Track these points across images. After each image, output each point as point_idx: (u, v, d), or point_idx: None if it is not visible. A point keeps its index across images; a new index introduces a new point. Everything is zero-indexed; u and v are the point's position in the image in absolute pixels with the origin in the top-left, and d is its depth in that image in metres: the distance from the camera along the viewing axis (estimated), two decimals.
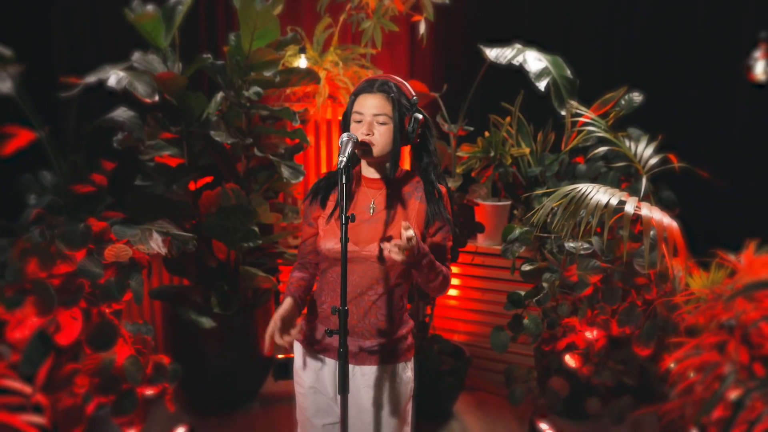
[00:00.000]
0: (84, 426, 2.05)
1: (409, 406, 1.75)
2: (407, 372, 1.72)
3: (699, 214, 3.25)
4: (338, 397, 1.62)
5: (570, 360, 2.57)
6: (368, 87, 1.60)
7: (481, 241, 3.37)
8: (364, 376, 1.66)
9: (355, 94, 1.62)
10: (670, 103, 3.69)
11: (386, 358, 1.67)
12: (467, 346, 3.26)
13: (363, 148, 1.59)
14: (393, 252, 1.45)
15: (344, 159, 1.47)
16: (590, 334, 2.52)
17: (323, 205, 1.69)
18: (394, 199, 1.66)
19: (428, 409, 3.06)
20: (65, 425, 2.00)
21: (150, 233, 2.23)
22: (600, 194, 2.08)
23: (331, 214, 1.65)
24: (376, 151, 1.60)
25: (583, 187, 2.15)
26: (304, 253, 1.77)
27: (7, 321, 1.91)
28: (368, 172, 1.69)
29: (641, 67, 3.74)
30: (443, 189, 1.68)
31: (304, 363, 1.72)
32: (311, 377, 1.71)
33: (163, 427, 2.75)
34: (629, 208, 2.04)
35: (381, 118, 1.58)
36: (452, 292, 3.48)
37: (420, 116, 1.62)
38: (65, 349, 2.02)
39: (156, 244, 2.22)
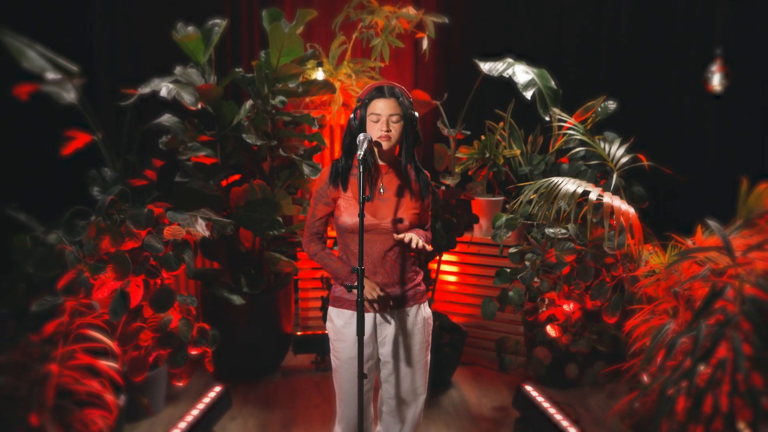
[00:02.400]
0: (146, 373, 2.50)
1: (430, 338, 2.21)
2: (427, 309, 2.20)
3: (666, 204, 3.71)
4: (377, 336, 2.12)
5: (551, 330, 3.00)
6: (380, 93, 2.01)
7: (477, 233, 3.80)
8: (400, 318, 2.12)
9: (369, 99, 2.01)
10: (650, 109, 4.15)
11: (411, 300, 2.14)
12: (466, 326, 3.68)
13: (376, 144, 2.02)
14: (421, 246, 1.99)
15: (362, 153, 1.91)
16: (567, 307, 2.94)
17: (345, 188, 2.08)
18: (398, 181, 2.10)
19: (430, 378, 3.49)
20: (132, 371, 2.45)
21: (196, 218, 2.68)
22: (569, 185, 2.51)
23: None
24: (391, 143, 2.02)
25: (556, 180, 2.58)
26: (316, 228, 2.14)
27: (93, 284, 2.36)
28: (379, 160, 2.11)
29: (624, 78, 4.19)
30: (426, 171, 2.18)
31: (346, 323, 2.11)
32: (355, 331, 2.04)
33: (201, 387, 3.18)
34: (592, 196, 2.47)
35: (395, 118, 2.00)
36: (451, 278, 3.91)
37: (416, 114, 2.06)
38: (131, 311, 2.47)
39: (201, 227, 2.66)
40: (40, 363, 2.09)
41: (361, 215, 1.91)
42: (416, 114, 2.07)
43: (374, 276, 2.08)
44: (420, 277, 2.20)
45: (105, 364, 2.20)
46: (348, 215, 2.06)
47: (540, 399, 2.94)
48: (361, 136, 1.97)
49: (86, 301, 2.27)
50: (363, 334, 1.95)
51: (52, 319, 2.14)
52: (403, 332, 2.13)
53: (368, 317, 2.11)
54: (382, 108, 1.99)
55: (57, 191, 3.38)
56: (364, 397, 2.10)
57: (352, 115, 2.06)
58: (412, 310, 2.15)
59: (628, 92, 4.09)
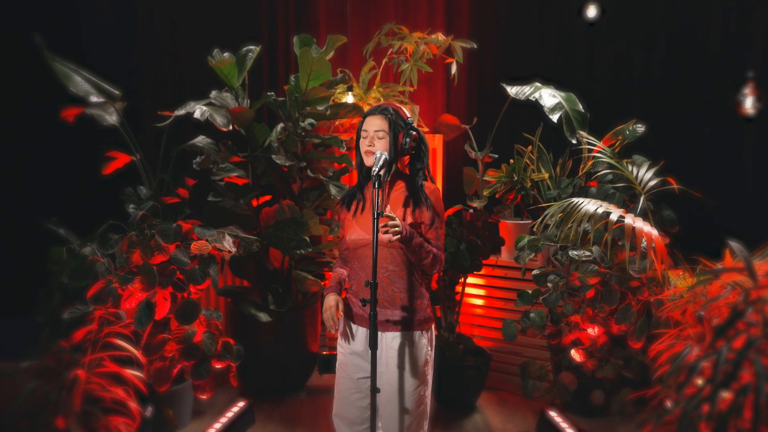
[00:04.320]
0: (170, 384, 2.57)
1: (428, 368, 2.13)
2: (423, 339, 2.11)
3: (701, 229, 3.61)
4: (368, 356, 2.09)
5: (575, 354, 2.94)
6: (372, 111, 2.08)
7: (505, 256, 3.78)
8: (387, 341, 2.08)
9: (363, 117, 2.09)
10: (682, 134, 4.08)
11: (405, 326, 2.08)
12: (492, 350, 3.64)
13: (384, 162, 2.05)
14: (390, 233, 1.88)
15: (377, 169, 1.95)
16: (592, 331, 2.88)
17: (348, 207, 2.15)
18: (396, 198, 2.11)
19: (453, 401, 3.46)
20: (157, 381, 2.53)
21: (223, 235, 2.77)
22: (589, 205, 2.49)
23: (355, 212, 2.12)
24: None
25: (576, 200, 2.56)
26: (342, 248, 2.22)
27: (121, 294, 2.47)
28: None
29: (656, 102, 4.14)
30: (435, 187, 2.12)
31: (344, 332, 2.17)
32: (349, 341, 2.15)
33: (228, 402, 3.23)
34: (613, 217, 2.44)
35: (380, 134, 2.04)
36: (478, 301, 3.89)
37: (414, 132, 2.06)
38: (158, 323, 2.56)
39: (228, 244, 2.75)
40: (69, 368, 2.18)
41: (375, 230, 1.93)
42: (411, 132, 2.05)
43: (365, 292, 2.04)
44: (421, 304, 2.10)
45: (130, 372, 2.28)
46: (350, 232, 2.12)
47: (564, 425, 2.88)
48: (378, 154, 2.02)
49: (114, 311, 2.37)
50: (376, 348, 1.96)
51: (82, 327, 2.24)
52: (388, 357, 2.07)
53: (362, 332, 2.12)
54: (368, 125, 2.05)
55: (98, 208, 3.56)
56: (358, 406, 2.14)
57: None
58: (401, 336, 2.07)
59: (660, 117, 4.04)
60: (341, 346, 2.20)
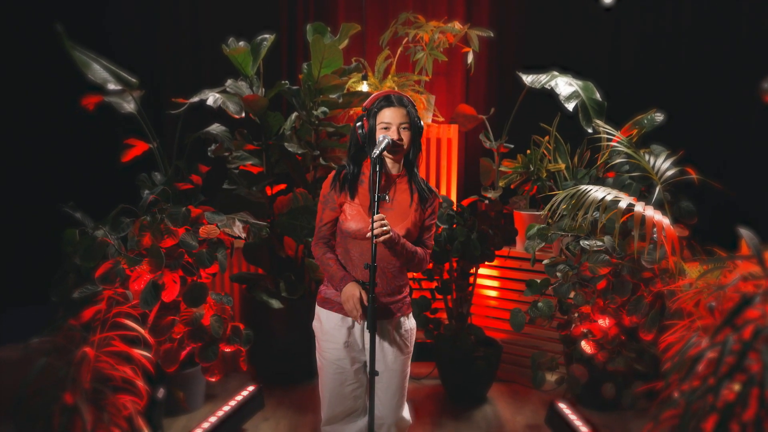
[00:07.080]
0: (177, 366, 2.62)
1: (412, 348, 2.23)
2: (412, 320, 2.22)
3: (725, 222, 3.50)
4: (365, 345, 2.14)
5: (586, 346, 2.89)
6: (389, 102, 2.04)
7: (519, 247, 3.74)
8: (384, 328, 2.13)
9: (378, 108, 2.04)
10: (708, 124, 3.96)
11: (399, 312, 2.16)
12: (505, 342, 3.61)
13: (395, 147, 2.05)
14: (378, 232, 1.91)
15: (378, 151, 1.95)
16: (603, 322, 2.83)
17: (352, 195, 2.09)
18: (405, 192, 2.12)
19: (463, 393, 3.44)
20: (165, 362, 2.58)
21: (233, 221, 2.80)
22: (598, 192, 2.44)
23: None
24: (403, 152, 2.06)
25: (585, 187, 2.51)
26: (324, 233, 2.16)
27: (129, 275, 2.52)
28: (391, 170, 2.12)
29: (682, 92, 4.03)
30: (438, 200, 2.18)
31: (337, 326, 2.15)
32: (344, 335, 2.14)
33: (239, 386, 3.28)
34: (622, 205, 2.39)
35: (405, 125, 2.03)
36: (491, 292, 3.85)
37: (422, 124, 2.09)
38: (168, 305, 2.61)
39: (238, 229, 2.78)
40: (78, 346, 2.24)
41: (375, 211, 1.93)
42: (422, 124, 2.10)
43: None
44: (408, 291, 2.22)
45: (138, 352, 2.32)
46: (354, 221, 2.07)
47: (572, 417, 2.84)
48: (380, 137, 2.01)
49: (122, 291, 2.42)
50: (375, 330, 1.97)
51: (91, 306, 2.29)
52: (386, 343, 2.14)
53: (360, 326, 2.14)
54: (391, 117, 2.02)
55: (117, 193, 3.63)
56: (353, 396, 2.18)
57: (358, 124, 2.08)
58: (397, 321, 2.16)
59: (684, 106, 3.93)
60: (331, 342, 2.16)
